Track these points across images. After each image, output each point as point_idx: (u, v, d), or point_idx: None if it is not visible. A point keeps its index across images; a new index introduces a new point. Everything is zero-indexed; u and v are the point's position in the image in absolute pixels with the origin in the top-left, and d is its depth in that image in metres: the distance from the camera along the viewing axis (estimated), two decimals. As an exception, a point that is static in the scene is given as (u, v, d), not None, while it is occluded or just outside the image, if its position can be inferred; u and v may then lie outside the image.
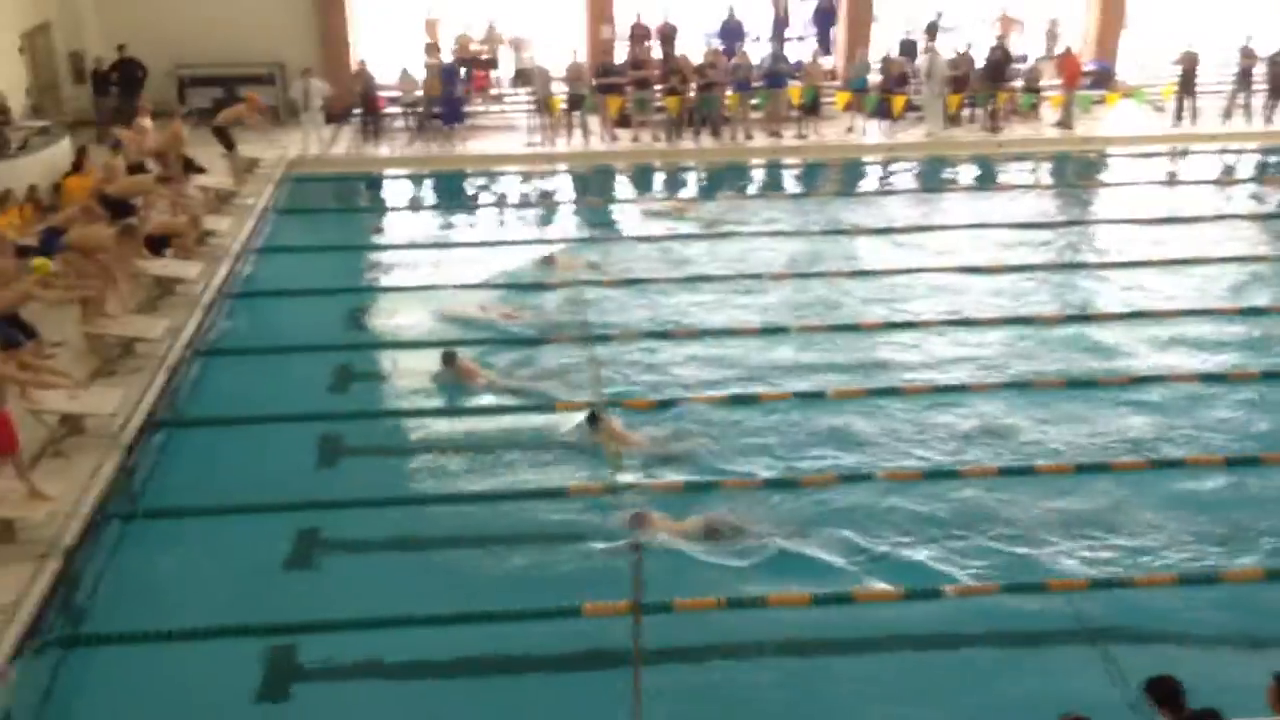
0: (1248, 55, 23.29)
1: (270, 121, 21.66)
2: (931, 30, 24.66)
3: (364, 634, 9.14)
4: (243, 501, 10.82)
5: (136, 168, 17.40)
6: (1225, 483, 11.12)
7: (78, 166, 17.54)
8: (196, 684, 8.70)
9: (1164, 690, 6.69)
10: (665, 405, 12.57)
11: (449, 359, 13.22)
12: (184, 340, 13.90)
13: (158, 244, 15.37)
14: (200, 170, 18.89)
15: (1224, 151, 22.89)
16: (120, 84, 21.90)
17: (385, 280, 16.76)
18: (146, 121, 18.94)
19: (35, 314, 12.89)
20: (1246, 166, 22.46)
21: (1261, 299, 15.53)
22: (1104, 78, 24.77)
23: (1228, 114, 23.62)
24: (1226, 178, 21.83)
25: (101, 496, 10.68)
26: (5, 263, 13.14)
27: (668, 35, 24.07)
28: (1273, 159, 22.48)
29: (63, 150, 18.49)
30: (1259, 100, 23.68)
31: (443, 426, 12.50)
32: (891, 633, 9.24)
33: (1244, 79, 23.48)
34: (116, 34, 22.20)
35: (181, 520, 10.77)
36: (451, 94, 22.85)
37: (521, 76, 24.16)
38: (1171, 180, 21.65)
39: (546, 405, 12.65)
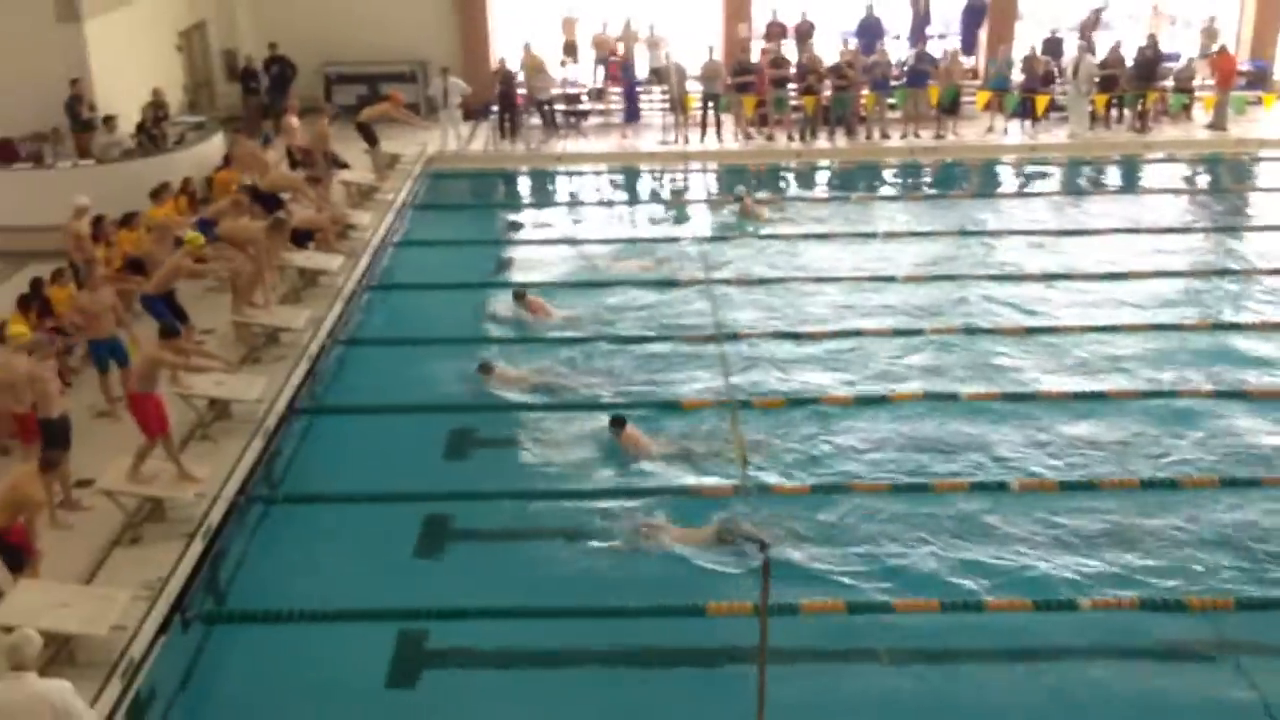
0: None
1: (421, 116, 22.13)
2: (1088, 26, 23.96)
3: (491, 623, 9.33)
4: (378, 489, 11.12)
5: (291, 163, 18.03)
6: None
7: (229, 161, 18.20)
8: (330, 664, 9.00)
9: None
10: (796, 404, 12.55)
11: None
12: (325, 330, 14.34)
13: (302, 238, 15.89)
14: (344, 166, 19.43)
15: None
16: (271, 81, 22.67)
17: (518, 275, 16.95)
18: (294, 119, 19.56)
19: (188, 302, 13.45)
20: None
21: None
22: (1260, 78, 23.74)
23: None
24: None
25: (245, 480, 11.10)
26: (164, 250, 13.76)
27: (804, 33, 23.88)
28: None
29: (215, 145, 19.23)
30: None
31: (573, 423, 12.58)
32: (1023, 644, 9.04)
33: None
34: (268, 33, 22.99)
35: (319, 505, 11.12)
36: (632, 92, 23.37)
37: (657, 75, 24.24)
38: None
39: (673, 405, 12.70)
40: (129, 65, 19.24)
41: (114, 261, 14.19)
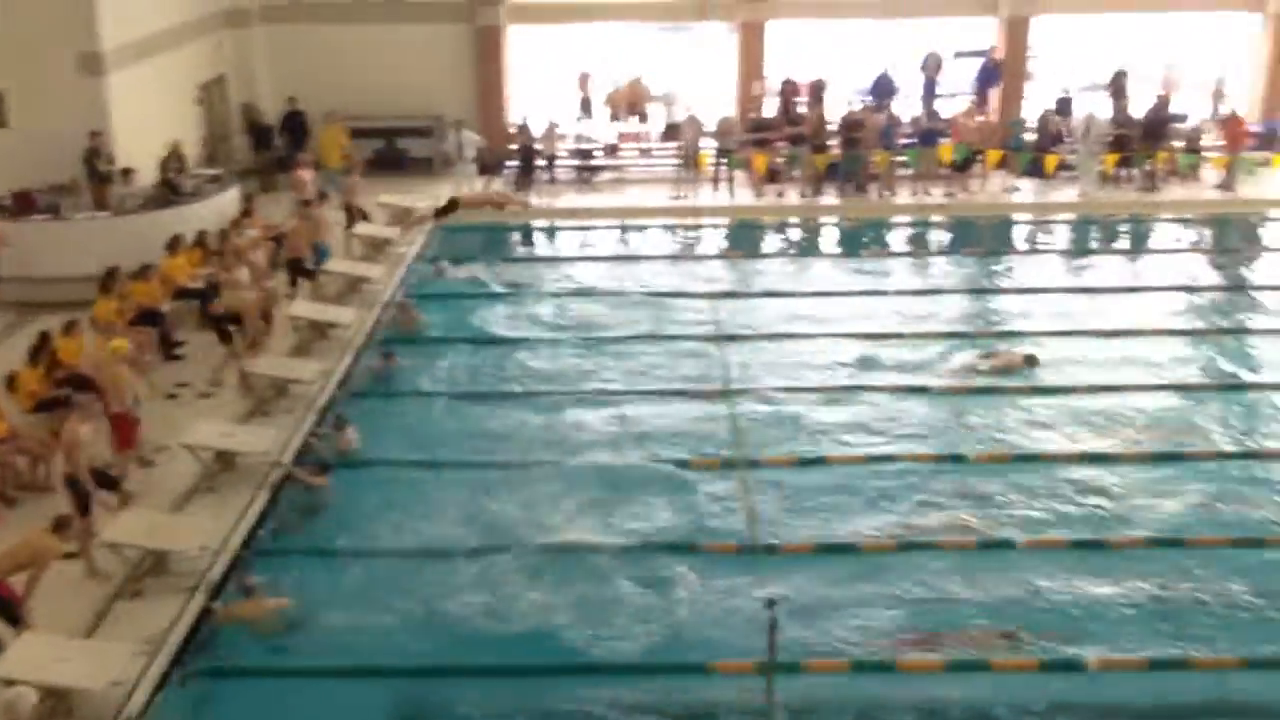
0: None
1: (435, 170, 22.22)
2: (1116, 87, 24.17)
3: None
4: (386, 545, 11.16)
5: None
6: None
7: (246, 215, 18.41)
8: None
9: None
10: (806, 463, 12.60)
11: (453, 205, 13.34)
12: (334, 382, 14.42)
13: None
14: (366, 218, 19.73)
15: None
16: (287, 135, 22.97)
17: (524, 329, 16.89)
18: (304, 173, 19.81)
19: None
20: None
21: None
22: (1271, 139, 23.82)
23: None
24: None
25: (249, 533, 11.13)
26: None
27: (817, 92, 24.11)
28: None
29: (231, 198, 19.44)
30: None
31: (589, 471, 12.60)
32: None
33: None
34: (286, 87, 23.32)
35: (323, 559, 11.11)
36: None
37: (671, 131, 24.46)
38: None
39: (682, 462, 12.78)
40: (149, 118, 19.52)
41: (126, 313, 14.34)
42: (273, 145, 23.05)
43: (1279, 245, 20.87)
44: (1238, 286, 18.45)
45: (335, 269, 17.80)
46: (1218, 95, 24.42)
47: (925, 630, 9.96)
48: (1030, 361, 14.99)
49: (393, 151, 23.97)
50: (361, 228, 19.65)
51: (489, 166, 23.26)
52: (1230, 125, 22.82)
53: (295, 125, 23.06)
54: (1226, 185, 22.56)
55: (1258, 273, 19.36)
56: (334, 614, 10.20)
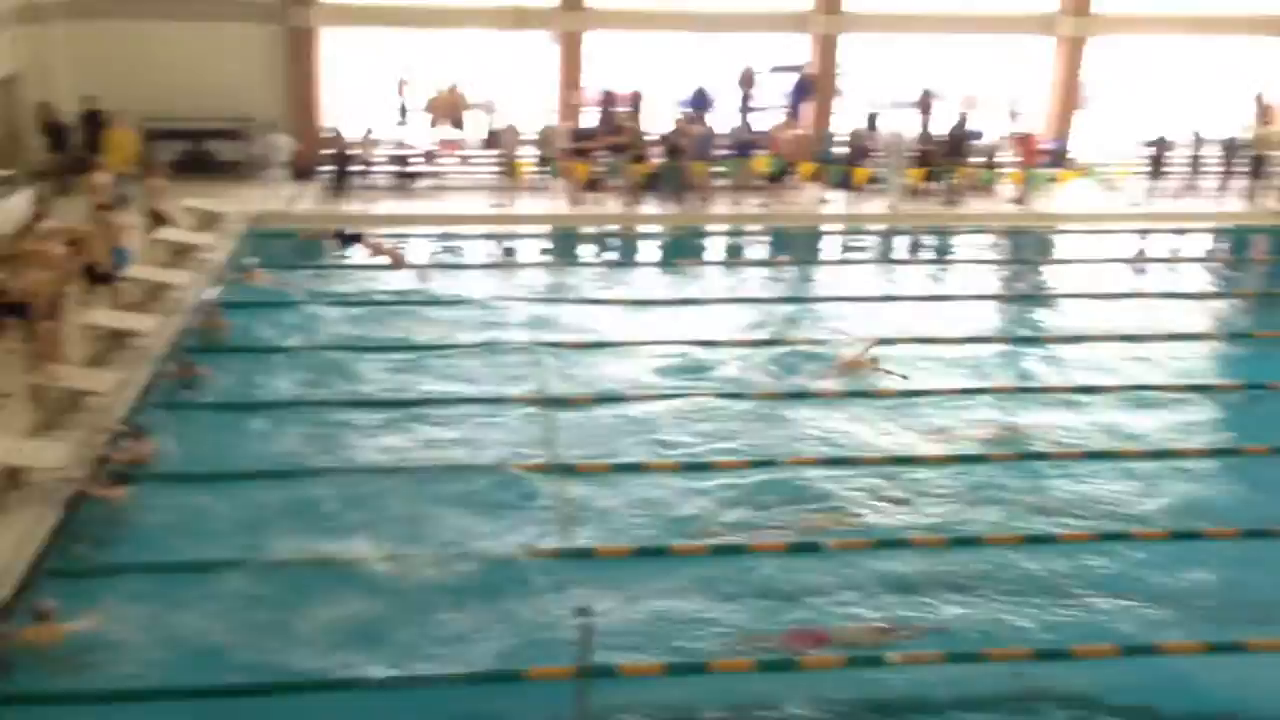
0: (1198, 140, 23.95)
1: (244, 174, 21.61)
2: (923, 104, 25.15)
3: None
4: (183, 559, 10.72)
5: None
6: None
7: (38, 218, 17.45)
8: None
9: None
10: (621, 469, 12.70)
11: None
12: (132, 392, 13.80)
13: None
14: (170, 222, 18.96)
15: (1178, 231, 23.33)
16: (84, 136, 21.92)
17: (337, 337, 16.48)
18: (103, 176, 18.92)
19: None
20: (1197, 246, 22.93)
21: (1212, 374, 16.11)
22: (1060, 156, 25.24)
23: (1178, 195, 24.16)
24: (1176, 256, 22.28)
25: (40, 553, 10.55)
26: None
27: (636, 103, 24.39)
28: (1227, 239, 23.14)
29: (21, 201, 18.42)
30: (1208, 182, 24.28)
31: (399, 480, 12.38)
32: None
33: (1195, 162, 24.10)
34: (88, 86, 22.25)
35: (119, 577, 10.60)
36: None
37: (490, 139, 24.35)
38: (1128, 257, 21.99)
39: (493, 467, 12.69)
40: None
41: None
42: (69, 146, 21.95)
43: (1069, 256, 22.05)
44: (1031, 295, 19.43)
45: (137, 275, 17.07)
46: (1012, 114, 25.72)
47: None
48: (875, 362, 15.43)
49: (200, 154, 23.17)
50: (166, 232, 18.89)
51: (302, 171, 22.72)
52: (1024, 143, 24.09)
53: (94, 126, 22.02)
54: (1021, 199, 23.79)
55: (1051, 281, 20.45)
56: (132, 634, 9.74)
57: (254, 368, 15.16)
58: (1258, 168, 24.11)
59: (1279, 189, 24.15)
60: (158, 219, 18.93)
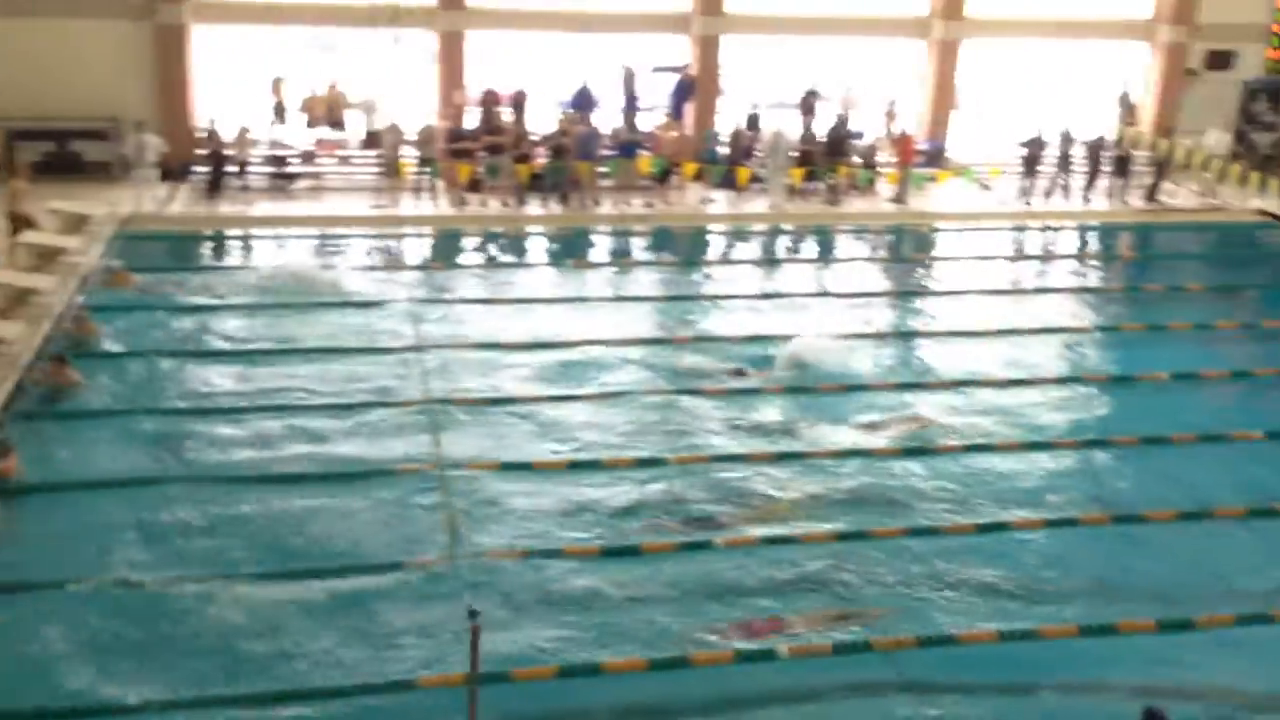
0: (1067, 140, 24.73)
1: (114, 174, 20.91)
2: (806, 105, 25.42)
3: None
4: (50, 577, 10.31)
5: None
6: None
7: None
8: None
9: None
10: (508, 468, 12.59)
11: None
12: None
13: None
14: (34, 225, 18.23)
15: (1046, 229, 24.06)
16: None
17: (211, 341, 16.06)
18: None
19: None
20: (1066, 243, 23.67)
21: (1082, 367, 16.57)
22: (936, 156, 25.82)
23: (1048, 194, 24.92)
24: (1047, 252, 22.97)
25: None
26: None
27: (519, 103, 24.24)
28: (1089, 234, 23.96)
29: None
30: (1077, 181, 25.10)
31: (277, 486, 12.12)
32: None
33: (1064, 161, 24.87)
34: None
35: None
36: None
37: (371, 139, 23.96)
38: (1003, 253, 22.57)
39: (382, 471, 12.47)
40: None
41: None
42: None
43: (946, 253, 22.56)
44: (911, 291, 19.85)
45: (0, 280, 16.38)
46: (890, 116, 26.25)
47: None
48: (798, 365, 15.53)
49: (65, 155, 22.37)
50: (29, 236, 18.15)
51: (173, 172, 22.07)
52: (901, 143, 24.60)
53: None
54: (899, 198, 24.27)
55: (928, 278, 20.92)
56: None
57: (124, 374, 14.63)
58: (1123, 167, 24.98)
59: (1144, 188, 25.09)
60: (21, 222, 18.23)
